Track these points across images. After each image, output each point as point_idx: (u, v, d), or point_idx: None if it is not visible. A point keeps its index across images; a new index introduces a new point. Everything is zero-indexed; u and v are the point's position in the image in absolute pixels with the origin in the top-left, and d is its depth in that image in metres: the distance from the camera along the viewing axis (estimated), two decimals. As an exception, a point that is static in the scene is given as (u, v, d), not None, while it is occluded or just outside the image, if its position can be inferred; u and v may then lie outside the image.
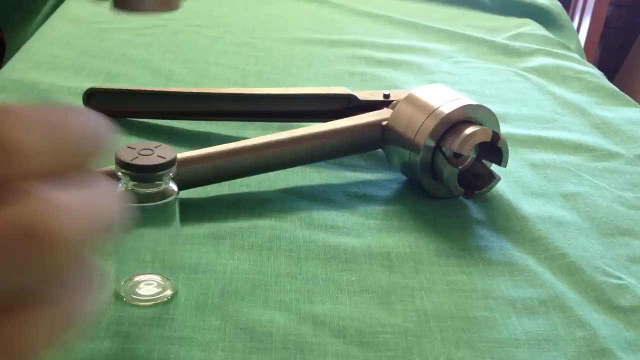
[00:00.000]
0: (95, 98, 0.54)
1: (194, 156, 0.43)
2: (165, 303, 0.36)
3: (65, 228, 0.17)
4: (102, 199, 0.19)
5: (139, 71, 0.64)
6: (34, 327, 0.17)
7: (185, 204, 0.39)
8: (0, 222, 0.16)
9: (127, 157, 0.34)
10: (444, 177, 0.44)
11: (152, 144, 0.35)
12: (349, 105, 0.54)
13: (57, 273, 0.18)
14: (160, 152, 0.34)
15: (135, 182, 0.34)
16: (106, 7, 0.28)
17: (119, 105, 0.54)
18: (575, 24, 2.05)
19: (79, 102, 0.54)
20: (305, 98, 0.54)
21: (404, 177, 0.49)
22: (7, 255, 0.16)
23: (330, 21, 0.85)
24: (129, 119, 0.54)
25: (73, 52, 0.67)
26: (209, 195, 0.45)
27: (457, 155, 0.45)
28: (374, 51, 0.75)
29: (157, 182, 0.34)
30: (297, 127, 0.48)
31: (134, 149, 0.34)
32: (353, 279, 0.38)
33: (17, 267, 0.16)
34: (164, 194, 0.35)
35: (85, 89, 0.54)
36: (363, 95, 0.54)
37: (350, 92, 0.54)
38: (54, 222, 0.17)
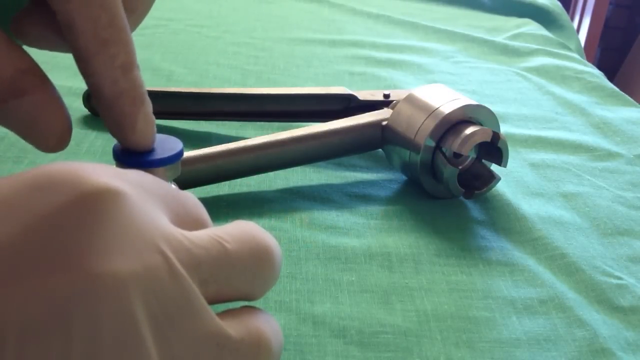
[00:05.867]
0: (95, 98, 0.54)
1: (194, 156, 0.43)
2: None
3: (277, 341, 0.24)
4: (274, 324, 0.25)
5: (139, 71, 0.64)
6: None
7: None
8: (241, 330, 0.22)
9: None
10: (444, 177, 0.44)
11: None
12: (349, 105, 0.54)
13: None
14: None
15: None
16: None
17: (119, 105, 0.54)
18: (575, 24, 2.05)
19: (79, 102, 0.54)
20: (305, 98, 0.54)
21: (404, 177, 0.49)
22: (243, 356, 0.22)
23: (330, 21, 0.85)
24: (129, 119, 0.54)
25: (73, 52, 0.67)
26: (209, 195, 0.45)
27: (457, 155, 0.45)
28: (374, 51, 0.75)
29: None
30: (297, 127, 0.48)
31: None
32: (353, 279, 0.38)
33: None
34: None
35: (85, 89, 0.54)
36: (363, 95, 0.54)
37: (350, 92, 0.54)
38: (272, 336, 0.23)
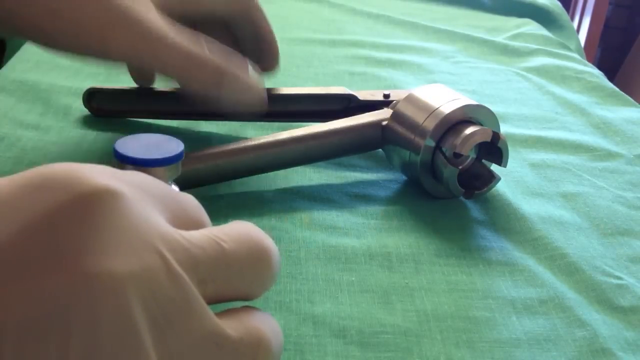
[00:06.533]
0: (95, 98, 0.54)
1: (194, 156, 0.43)
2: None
3: (276, 341, 0.24)
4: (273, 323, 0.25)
5: (139, 71, 0.63)
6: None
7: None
8: (240, 329, 0.22)
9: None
10: (444, 177, 0.44)
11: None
12: (349, 105, 0.54)
13: None
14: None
15: None
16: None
17: (119, 105, 0.54)
18: (575, 24, 2.05)
19: (79, 102, 0.54)
20: (305, 98, 0.54)
21: (404, 177, 0.49)
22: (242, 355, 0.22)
23: (330, 21, 0.85)
24: (129, 119, 0.54)
25: (73, 52, 0.66)
26: (209, 195, 0.45)
27: (457, 155, 0.45)
28: (374, 51, 0.75)
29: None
30: (297, 127, 0.48)
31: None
32: (353, 279, 0.38)
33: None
34: None
35: (85, 89, 0.54)
36: (363, 95, 0.54)
37: (350, 92, 0.54)
38: (271, 335, 0.23)
